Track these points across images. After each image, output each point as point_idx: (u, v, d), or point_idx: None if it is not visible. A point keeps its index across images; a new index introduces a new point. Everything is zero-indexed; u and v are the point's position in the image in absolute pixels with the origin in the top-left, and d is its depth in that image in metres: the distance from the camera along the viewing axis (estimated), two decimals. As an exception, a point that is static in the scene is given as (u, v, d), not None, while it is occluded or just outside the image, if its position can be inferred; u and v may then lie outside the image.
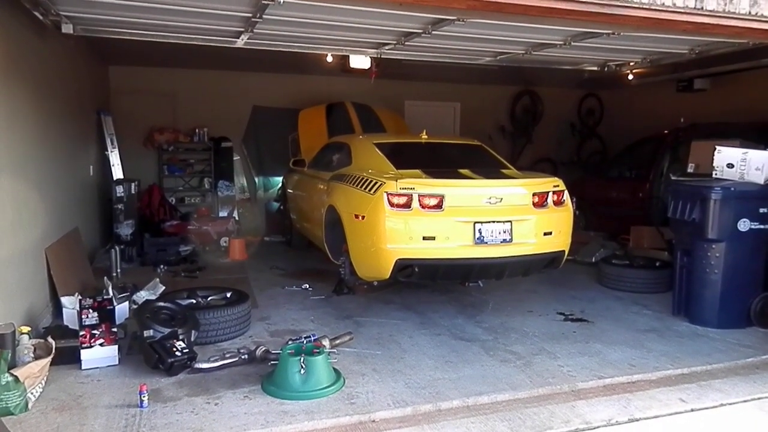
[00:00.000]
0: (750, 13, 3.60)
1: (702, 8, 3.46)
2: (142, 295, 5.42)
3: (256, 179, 10.45)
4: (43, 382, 3.66)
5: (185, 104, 9.73)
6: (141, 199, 8.73)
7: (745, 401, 3.86)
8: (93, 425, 3.33)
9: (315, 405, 3.62)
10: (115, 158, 8.31)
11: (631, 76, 8.37)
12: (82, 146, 7.28)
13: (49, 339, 3.77)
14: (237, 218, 9.48)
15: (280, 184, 9.81)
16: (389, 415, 3.55)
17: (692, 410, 3.73)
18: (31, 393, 3.50)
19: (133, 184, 7.97)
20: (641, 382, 4.12)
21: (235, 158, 10.18)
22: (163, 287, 5.80)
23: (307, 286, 6.41)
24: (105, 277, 5.94)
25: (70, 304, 4.91)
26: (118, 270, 6.79)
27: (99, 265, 7.05)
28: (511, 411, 3.66)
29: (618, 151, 9.69)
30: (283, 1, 3.49)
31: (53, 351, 3.68)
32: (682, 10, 3.43)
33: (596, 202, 8.95)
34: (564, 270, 6.99)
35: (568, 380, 4.07)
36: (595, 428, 3.48)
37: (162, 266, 7.28)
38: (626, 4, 3.32)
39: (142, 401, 3.54)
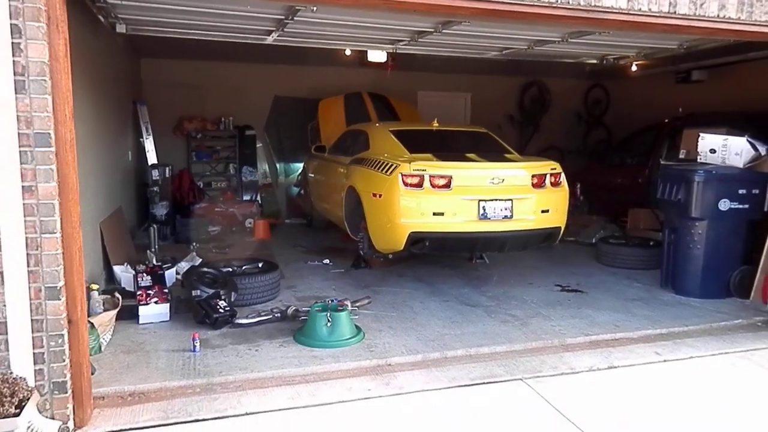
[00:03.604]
0: (719, 15, 4.13)
1: (675, 12, 3.98)
2: (183, 266, 6.09)
3: (278, 165, 11.07)
4: (111, 330, 4.34)
5: (211, 94, 10.34)
6: (172, 183, 9.40)
7: (713, 355, 4.44)
8: (157, 363, 4.01)
9: (339, 352, 4.27)
10: (149, 145, 8.99)
11: (634, 68, 8.85)
12: (122, 133, 7.95)
13: (116, 294, 4.44)
14: (260, 202, 10.13)
15: (300, 170, 10.46)
16: (403, 360, 4.18)
17: (665, 361, 4.31)
18: (103, 338, 4.17)
19: (167, 169, 8.64)
20: (623, 339, 4.71)
21: (258, 145, 10.79)
22: (201, 259, 6.48)
23: (328, 261, 7.05)
24: (148, 251, 6.65)
25: (120, 271, 5.62)
26: (156, 246, 7.47)
27: (138, 242, 7.73)
28: (508, 359, 4.27)
29: (620, 140, 10.17)
30: (315, 8, 4.09)
31: (120, 304, 4.35)
32: (657, 14, 3.96)
33: (600, 188, 9.44)
34: (565, 250, 7.62)
35: (558, 336, 4.68)
36: (578, 373, 4.08)
37: (194, 243, 7.94)
38: (608, 10, 3.86)
39: (195, 346, 4.20)
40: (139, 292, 4.81)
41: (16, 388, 2.79)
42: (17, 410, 2.72)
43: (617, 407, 3.58)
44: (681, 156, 6.73)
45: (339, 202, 6.61)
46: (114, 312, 4.27)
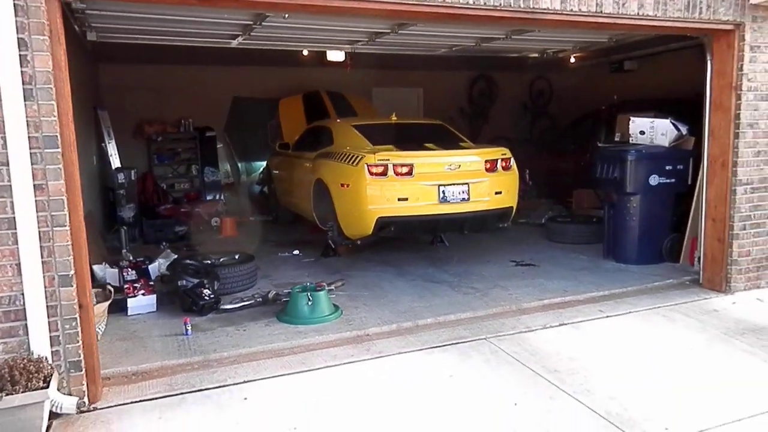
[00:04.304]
0: (638, 13, 4.75)
1: (601, 11, 4.57)
2: (161, 262, 6.34)
3: (239, 164, 11.32)
4: (105, 322, 4.61)
5: (170, 97, 10.47)
6: (136, 186, 9.54)
7: (647, 309, 5.09)
8: (153, 347, 4.33)
9: (321, 327, 4.69)
10: (112, 149, 9.10)
11: (573, 60, 9.57)
12: (87, 139, 8.07)
13: (108, 287, 4.72)
14: (224, 201, 10.37)
15: (262, 168, 10.75)
16: (379, 330, 4.64)
17: (607, 316, 4.93)
18: (98, 328, 4.44)
19: (132, 172, 8.80)
20: (572, 302, 5.31)
21: (218, 146, 11.02)
22: (175, 255, 6.74)
23: (298, 252, 7.42)
24: (123, 251, 6.87)
25: (100, 270, 5.84)
26: (127, 247, 7.66)
27: (108, 244, 7.88)
28: (472, 324, 4.79)
29: (563, 127, 10.92)
30: (287, 15, 4.48)
31: (112, 296, 4.63)
32: (586, 14, 4.53)
33: (547, 173, 10.13)
34: (518, 231, 8.24)
35: (515, 302, 5.24)
36: (533, 330, 4.63)
37: (164, 243, 8.15)
38: (545, 11, 4.39)
39: (187, 330, 4.54)
40: (126, 286, 5.09)
41: (41, 366, 3.09)
42: (45, 384, 3.03)
43: (567, 353, 4.14)
44: (616, 139, 7.41)
45: (307, 194, 7.00)
46: (107, 303, 4.55)
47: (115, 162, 9.11)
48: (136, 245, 8.23)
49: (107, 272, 5.51)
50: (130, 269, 5.27)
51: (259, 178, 10.97)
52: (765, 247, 5.64)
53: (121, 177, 8.57)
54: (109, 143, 9.14)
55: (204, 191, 10.68)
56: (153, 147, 10.49)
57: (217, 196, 10.53)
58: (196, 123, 10.71)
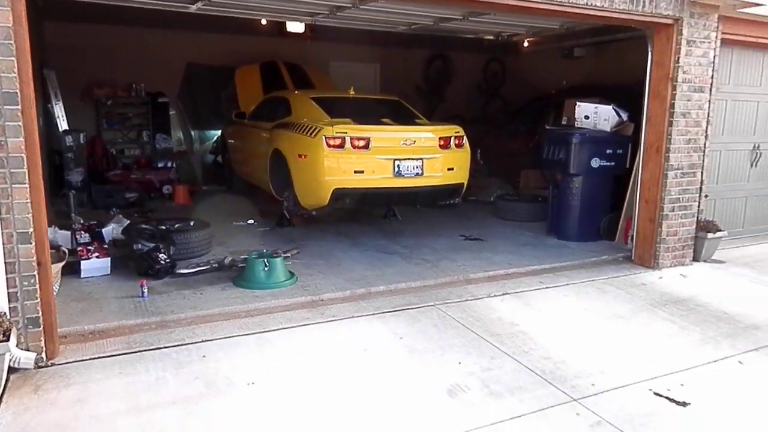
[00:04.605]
0: (587, 3, 5.02)
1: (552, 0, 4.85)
2: (113, 227, 6.30)
3: (192, 133, 11.15)
4: (59, 283, 4.61)
5: (122, 60, 10.16)
6: (84, 150, 9.29)
7: (583, 282, 5.48)
8: (109, 308, 4.38)
9: (278, 292, 4.84)
10: (59, 110, 8.82)
11: (526, 44, 9.87)
12: (33, 98, 7.80)
13: (63, 249, 4.70)
14: (176, 168, 10.24)
15: (216, 137, 10.64)
16: (333, 296, 4.84)
17: (547, 287, 5.29)
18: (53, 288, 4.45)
19: (81, 135, 8.57)
20: (515, 274, 5.65)
21: (171, 113, 10.81)
22: (128, 221, 6.69)
23: (252, 221, 7.49)
24: (72, 215, 6.77)
25: (50, 233, 5.73)
26: (75, 212, 7.52)
27: (55, 208, 7.70)
28: (422, 292, 5.04)
29: (515, 109, 11.28)
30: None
31: (66, 258, 4.62)
32: (538, 2, 4.78)
33: (498, 153, 10.46)
34: (468, 208, 8.56)
35: (463, 273, 5.53)
36: (479, 298, 4.93)
37: (114, 209, 8.05)
38: (501, -4, 4.64)
39: (143, 292, 4.60)
40: (79, 248, 5.07)
41: (0, 320, 3.13)
42: (4, 338, 3.08)
43: (508, 319, 4.46)
44: (563, 123, 7.77)
45: (263, 164, 7.05)
46: (61, 264, 4.54)
47: (63, 124, 8.85)
48: (84, 210, 8.07)
49: (58, 234, 5.45)
50: (83, 232, 5.24)
51: (212, 147, 10.86)
52: (691, 228, 6.14)
53: (69, 140, 8.35)
54: (56, 104, 8.87)
55: (155, 158, 10.49)
56: (102, 110, 10.18)
57: (169, 164, 10.38)
58: (149, 88, 10.44)
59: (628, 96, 7.23)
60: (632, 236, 6.31)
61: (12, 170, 3.25)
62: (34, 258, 3.40)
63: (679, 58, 5.66)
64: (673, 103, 5.74)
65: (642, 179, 6.12)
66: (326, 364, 3.65)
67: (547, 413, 3.19)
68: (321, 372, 3.56)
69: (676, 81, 5.69)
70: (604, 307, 4.83)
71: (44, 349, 3.50)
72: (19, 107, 3.24)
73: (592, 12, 5.11)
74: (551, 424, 3.09)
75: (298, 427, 2.98)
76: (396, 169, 5.95)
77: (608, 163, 6.78)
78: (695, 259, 6.23)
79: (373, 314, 4.49)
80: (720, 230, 6.31)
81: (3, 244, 3.27)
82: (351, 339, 4.03)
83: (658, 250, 5.99)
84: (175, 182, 9.56)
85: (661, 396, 3.42)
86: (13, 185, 3.27)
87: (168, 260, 5.12)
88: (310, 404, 3.19)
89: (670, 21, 5.58)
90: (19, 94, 3.23)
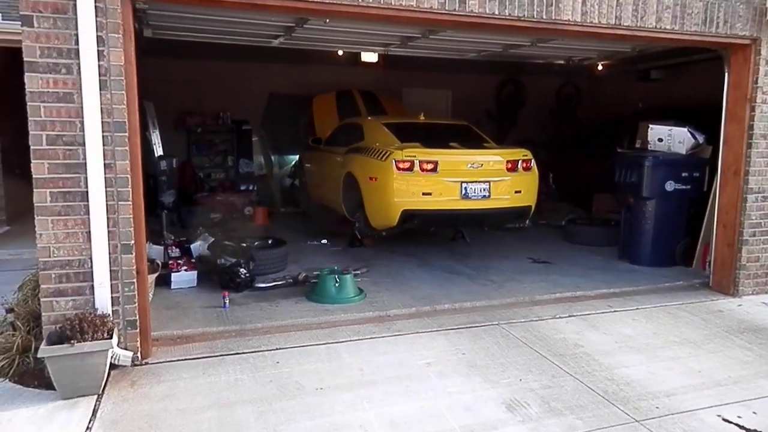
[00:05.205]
0: (656, 27, 5.01)
1: (620, 24, 4.86)
2: (200, 243, 6.84)
3: (272, 158, 11.81)
4: (152, 292, 5.09)
5: (210, 91, 11.02)
6: (176, 174, 10.10)
7: (654, 307, 5.36)
8: (195, 316, 4.80)
9: (347, 307, 5.10)
10: (156, 138, 9.67)
11: (600, 67, 9.79)
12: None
13: (156, 261, 5.20)
14: (256, 191, 10.89)
15: (294, 162, 11.23)
16: (400, 312, 5.03)
17: (615, 311, 5.23)
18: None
19: (174, 160, 9.34)
20: (583, 297, 5.61)
21: (253, 139, 11.54)
22: (213, 238, 7.23)
23: (326, 241, 7.86)
24: (164, 232, 7.39)
25: (146, 247, 6.34)
26: (167, 230, 8.19)
27: (149, 227, 8.39)
28: (486, 311, 5.14)
29: (588, 133, 11.14)
30: (328, 20, 4.90)
31: (159, 269, 5.11)
32: (606, 26, 4.83)
33: (570, 176, 10.37)
34: (538, 231, 8.54)
35: (529, 294, 5.57)
36: (543, 319, 4.96)
37: (201, 228, 8.66)
38: (566, 23, 4.72)
39: (225, 303, 5.00)
40: (170, 262, 5.58)
41: (105, 321, 3.56)
42: (108, 336, 3.50)
43: (573, 340, 4.46)
44: (637, 145, 7.64)
45: (337, 187, 7.42)
46: (155, 275, 5.04)
47: (158, 150, 9.68)
48: (174, 229, 8.77)
49: (153, 249, 5.99)
50: (174, 247, 5.76)
51: (290, 171, 11.45)
52: (774, 254, 5.86)
53: (163, 164, 9.10)
54: (153, 132, 9.72)
55: (238, 181, 11.21)
56: (192, 137, 11.07)
57: (251, 187, 11.05)
58: (234, 116, 11.26)
59: (705, 118, 7.04)
60: (710, 262, 6.09)
61: (119, 189, 3.71)
62: (134, 267, 3.83)
63: (757, 78, 5.50)
64: (752, 125, 5.57)
65: (720, 203, 5.93)
66: (390, 374, 3.84)
67: (607, 432, 3.21)
68: (384, 381, 3.74)
69: (755, 102, 5.53)
70: (675, 332, 4.72)
71: (139, 349, 3.91)
72: (127, 134, 3.71)
73: (661, 35, 5.12)
74: (610, 443, 3.11)
75: (360, 427, 3.17)
76: (463, 192, 6.11)
77: (684, 186, 6.61)
78: (780, 287, 5.92)
79: (437, 331, 4.64)
80: (808, 257, 5.96)
81: (109, 253, 3.72)
82: (414, 352, 4.20)
83: (737, 277, 5.75)
84: (255, 204, 10.16)
85: (730, 422, 3.34)
86: (120, 202, 3.72)
87: (248, 275, 5.52)
88: (373, 410, 3.37)
89: (746, 41, 5.46)
90: (127, 123, 3.70)
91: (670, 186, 6.58)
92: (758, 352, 4.34)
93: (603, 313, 5.17)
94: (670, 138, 6.65)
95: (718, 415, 3.41)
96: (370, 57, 8.01)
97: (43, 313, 3.66)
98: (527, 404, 3.48)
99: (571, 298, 5.55)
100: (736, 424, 3.31)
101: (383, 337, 4.49)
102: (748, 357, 4.26)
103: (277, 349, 4.20)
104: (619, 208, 7.78)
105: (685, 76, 9.28)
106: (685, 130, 6.56)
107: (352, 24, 5.42)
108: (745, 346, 4.47)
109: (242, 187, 11.11)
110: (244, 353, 4.12)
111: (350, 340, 4.40)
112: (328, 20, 4.95)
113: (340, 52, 8.43)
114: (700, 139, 6.56)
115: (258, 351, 4.16)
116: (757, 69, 5.50)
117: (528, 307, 5.27)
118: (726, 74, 5.78)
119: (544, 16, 4.66)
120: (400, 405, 3.45)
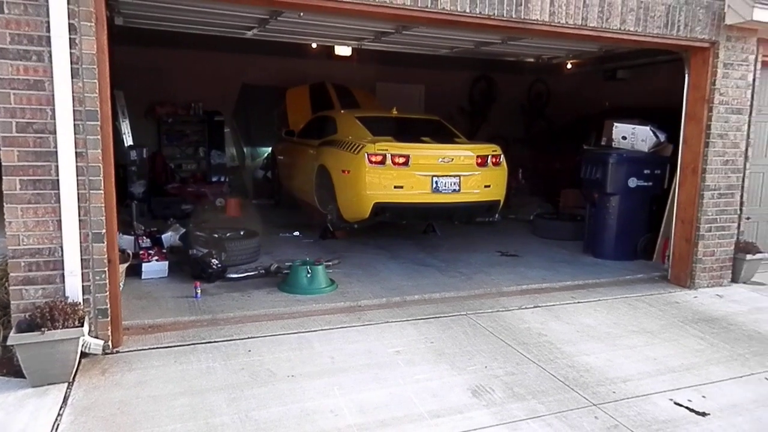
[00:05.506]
0: (620, 28, 5.20)
1: (586, 25, 5.03)
2: (170, 234, 6.81)
3: (245, 149, 11.77)
4: (123, 282, 5.07)
5: (181, 81, 10.88)
6: (146, 164, 9.99)
7: (615, 298, 5.58)
8: (166, 305, 4.81)
9: (318, 297, 5.18)
10: (126, 128, 9.56)
11: (569, 66, 10.02)
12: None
13: (127, 251, 5.18)
14: (228, 182, 10.84)
15: (266, 154, 11.21)
16: (371, 303, 5.13)
17: (578, 302, 5.42)
18: (117, 287, 4.92)
19: (144, 150, 9.25)
20: (548, 288, 5.80)
21: (226, 130, 11.46)
22: (184, 230, 7.21)
23: (298, 233, 7.90)
24: (134, 223, 7.34)
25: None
26: (137, 220, 8.12)
27: (119, 217, 8.31)
28: (455, 302, 5.27)
29: (557, 130, 11.40)
30: (302, 14, 4.94)
31: (130, 259, 5.10)
32: (573, 26, 4.99)
33: (540, 172, 10.61)
34: (506, 225, 8.72)
35: (496, 286, 5.73)
36: (510, 310, 5.12)
37: (171, 219, 8.61)
38: (534, 22, 4.86)
39: (196, 293, 5.02)
40: (141, 252, 5.57)
41: (76, 309, 3.56)
42: (79, 324, 3.50)
43: (537, 330, 4.63)
44: (602, 143, 7.87)
45: (309, 179, 7.46)
46: (126, 265, 5.02)
47: (128, 140, 9.57)
48: (144, 219, 8.69)
49: (123, 239, 5.95)
50: (144, 237, 5.73)
51: (262, 163, 11.43)
52: (729, 249, 6.14)
53: (133, 154, 9.02)
54: (123, 122, 9.61)
55: (210, 173, 11.13)
56: (163, 128, 10.93)
57: (222, 178, 10.99)
58: (206, 107, 11.15)
59: (667, 117, 7.30)
60: (669, 256, 6.34)
61: (90, 178, 3.71)
62: (106, 256, 3.84)
63: (715, 80, 5.75)
64: (710, 125, 5.82)
65: (678, 199, 6.18)
66: (360, 362, 3.93)
67: (566, 415, 3.36)
68: (355, 368, 3.83)
69: (713, 103, 5.78)
70: (634, 322, 4.93)
71: (110, 337, 3.92)
72: (99, 123, 3.70)
73: (626, 37, 5.30)
74: (569, 425, 3.26)
75: (330, 412, 3.26)
76: (434, 186, 6.23)
77: (646, 183, 6.85)
78: (734, 280, 6.20)
79: (407, 320, 4.75)
80: (760, 252, 6.27)
81: (80, 242, 3.72)
82: (384, 341, 4.30)
83: (694, 270, 6.02)
84: (227, 195, 10.11)
85: (681, 406, 3.53)
86: (91, 191, 3.72)
87: (220, 265, 5.55)
88: (344, 396, 3.46)
89: (706, 44, 5.69)
90: (99, 111, 3.70)
91: (632, 183, 6.81)
92: (710, 341, 4.58)
93: (567, 304, 5.35)
94: (634, 136, 6.89)
95: (671, 399, 3.60)
96: (343, 51, 8.05)
97: (12, 302, 3.65)
98: (492, 390, 3.62)
99: (537, 290, 5.73)
100: (686, 407, 3.51)
101: (354, 326, 4.58)
102: (701, 345, 4.49)
103: (248, 338, 4.26)
104: (585, 204, 8.03)
105: (650, 77, 9.56)
106: (648, 128, 6.79)
107: (327, 18, 5.47)
108: (698, 335, 4.70)
109: (214, 179, 11.04)
110: (216, 342, 4.17)
111: (321, 330, 4.48)
112: (302, 14, 4.99)
113: (314, 45, 8.45)
114: (662, 137, 6.81)
115: (230, 340, 4.21)
116: (714, 71, 5.74)
117: (495, 299, 5.43)
118: (686, 76, 6.01)
119: (514, 15, 4.79)
120: (369, 392, 3.54)
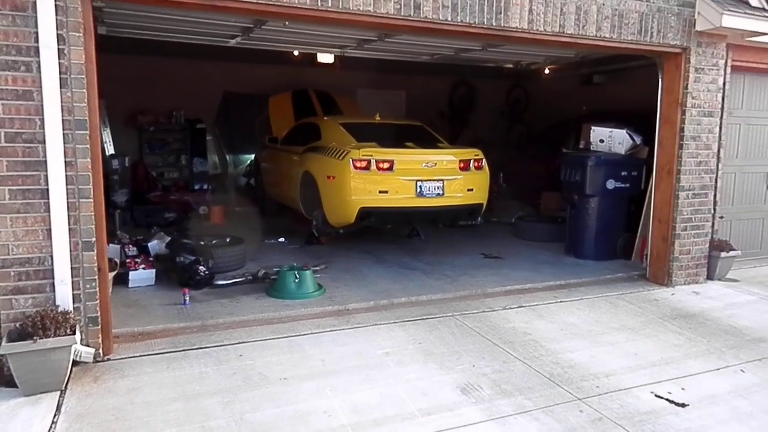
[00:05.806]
0: (596, 35, 5.37)
1: (563, 32, 5.19)
2: (156, 242, 6.81)
3: (227, 157, 11.76)
4: (110, 290, 5.07)
5: (162, 89, 10.85)
6: (128, 172, 9.94)
7: (596, 297, 5.73)
8: (155, 313, 4.83)
9: (307, 302, 5.24)
10: (107, 136, 9.51)
11: (547, 71, 10.24)
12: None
13: (114, 260, 5.18)
14: (211, 190, 10.83)
15: (249, 161, 11.22)
16: (359, 306, 5.20)
17: (561, 301, 5.56)
18: (105, 296, 4.92)
19: (126, 159, 9.22)
20: (531, 289, 5.93)
21: (208, 138, 11.45)
22: (169, 237, 7.20)
23: (283, 239, 7.93)
24: (118, 232, 7.31)
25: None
26: (120, 229, 8.08)
27: (102, 226, 8.29)
28: (441, 304, 5.37)
29: (536, 134, 11.61)
30: (287, 23, 5.01)
31: (117, 267, 5.10)
32: (550, 33, 5.14)
33: (520, 176, 10.79)
34: (489, 228, 8.87)
35: (481, 288, 5.84)
36: (495, 310, 5.23)
37: (155, 227, 8.59)
38: (513, 30, 5.00)
39: (185, 300, 5.04)
40: (128, 260, 5.56)
41: (67, 317, 3.58)
42: (71, 332, 3.52)
43: (522, 329, 4.75)
44: (581, 146, 8.07)
45: (294, 186, 7.52)
46: (113, 273, 5.01)
47: (110, 149, 9.53)
48: (127, 228, 8.64)
49: (109, 248, 5.93)
50: (131, 246, 5.74)
51: (246, 170, 11.44)
52: (704, 247, 6.35)
53: (115, 163, 8.99)
54: (104, 130, 9.55)
55: (193, 181, 11.11)
56: (145, 136, 10.89)
57: (205, 186, 10.97)
58: (187, 115, 11.13)
59: (643, 121, 7.51)
60: (647, 255, 6.53)
61: (80, 186, 3.73)
62: (96, 264, 3.86)
63: (687, 84, 5.95)
64: (683, 127, 6.02)
65: (655, 200, 6.37)
66: (350, 364, 4.00)
67: (553, 409, 3.47)
68: (346, 370, 3.90)
69: (685, 106, 5.98)
70: (615, 320, 5.08)
71: (101, 345, 3.94)
72: (88, 132, 3.73)
73: (601, 43, 5.48)
74: (555, 419, 3.37)
75: (323, 413, 3.32)
76: (418, 190, 6.33)
77: (623, 185, 7.04)
78: (709, 277, 6.41)
79: (395, 323, 4.83)
80: (733, 249, 6.49)
81: (70, 251, 3.73)
82: (373, 343, 4.38)
83: (671, 268, 6.20)
84: (210, 203, 10.10)
85: (661, 398, 3.67)
86: (81, 200, 3.75)
87: (207, 272, 5.57)
88: (336, 397, 3.53)
89: (678, 50, 5.90)
90: (88, 121, 3.73)
91: (611, 184, 7.00)
92: (688, 336, 4.74)
93: (550, 303, 5.49)
94: (611, 139, 7.08)
95: (652, 392, 3.73)
96: (326, 58, 8.14)
97: (1, 312, 3.64)
98: (480, 387, 3.71)
99: (521, 291, 5.86)
100: (667, 399, 3.65)
101: (343, 329, 4.65)
102: (680, 340, 4.65)
103: (239, 342, 4.30)
104: (565, 206, 8.22)
105: (625, 81, 9.81)
106: (624, 131, 6.99)
107: (310, 26, 5.56)
108: (677, 331, 4.86)
109: (197, 187, 11.02)
110: (207, 347, 4.20)
111: (311, 333, 4.54)
112: (287, 23, 5.06)
113: (296, 53, 8.52)
114: (638, 140, 7.01)
115: (221, 345, 4.25)
116: (687, 76, 5.95)
117: (480, 300, 5.54)
118: (660, 80, 6.21)
119: (494, 23, 4.93)
120: (361, 392, 3.62)
